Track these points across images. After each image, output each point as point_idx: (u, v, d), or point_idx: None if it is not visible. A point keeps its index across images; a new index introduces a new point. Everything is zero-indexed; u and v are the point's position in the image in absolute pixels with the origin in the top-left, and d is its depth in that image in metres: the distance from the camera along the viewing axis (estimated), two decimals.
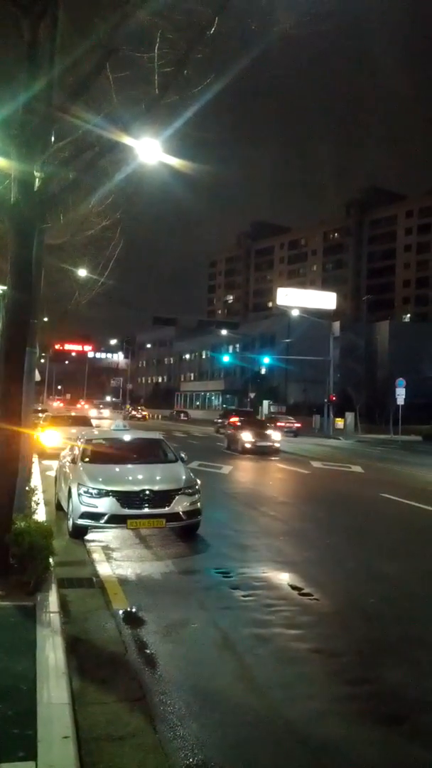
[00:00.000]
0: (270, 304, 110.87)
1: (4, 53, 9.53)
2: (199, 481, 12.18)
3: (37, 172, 8.38)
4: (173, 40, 9.07)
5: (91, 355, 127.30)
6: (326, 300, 69.66)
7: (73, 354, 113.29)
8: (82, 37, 9.67)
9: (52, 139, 9.31)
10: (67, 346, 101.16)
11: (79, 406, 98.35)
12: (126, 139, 9.22)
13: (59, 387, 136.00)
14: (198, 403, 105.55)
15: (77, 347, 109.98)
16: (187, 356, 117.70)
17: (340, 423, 58.50)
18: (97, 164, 9.28)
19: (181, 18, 9.24)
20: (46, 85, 8.83)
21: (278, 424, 50.70)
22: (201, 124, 10.60)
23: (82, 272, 21.68)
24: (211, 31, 8.90)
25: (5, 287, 9.62)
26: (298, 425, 54.93)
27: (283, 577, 9.70)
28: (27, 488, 9.62)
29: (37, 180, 8.34)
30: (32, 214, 8.10)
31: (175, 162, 11.52)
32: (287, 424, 53.48)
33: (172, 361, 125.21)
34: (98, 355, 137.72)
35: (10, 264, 8.11)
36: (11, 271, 8.07)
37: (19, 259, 8.07)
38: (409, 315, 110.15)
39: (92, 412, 74.68)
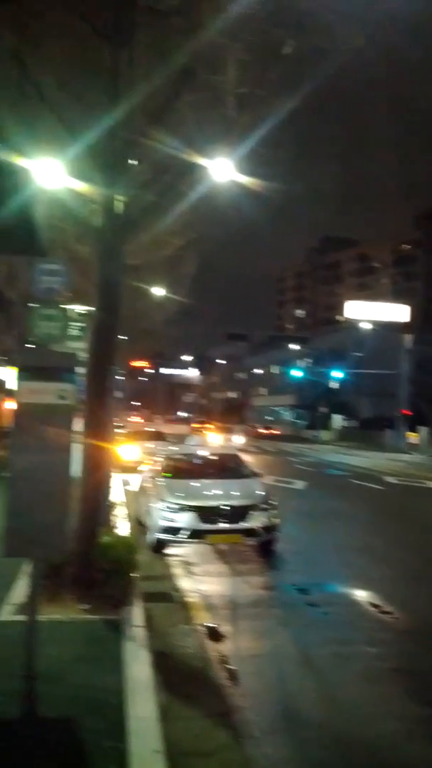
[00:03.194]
0: (339, 318, 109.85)
1: (86, 82, 9.88)
2: (275, 497, 12.19)
3: (120, 196, 8.63)
4: (247, 61, 9.23)
5: (164, 371, 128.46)
6: (398, 312, 68.66)
7: (148, 370, 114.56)
8: (159, 63, 9.94)
9: (133, 162, 9.57)
10: (142, 363, 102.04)
11: (132, 420, 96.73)
12: (201, 160, 9.41)
13: (135, 403, 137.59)
14: (270, 418, 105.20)
15: (152, 363, 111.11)
16: (258, 371, 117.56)
17: (413, 438, 57.32)
18: (176, 186, 9.49)
19: (255, 39, 9.39)
20: (126, 111, 9.08)
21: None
22: (271, 142, 10.71)
23: (158, 291, 22.10)
24: (285, 52, 9.03)
25: (89, 308, 9.90)
26: (278, 432, 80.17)
27: (361, 595, 9.60)
28: (109, 502, 9.83)
29: (119, 204, 8.59)
30: (116, 237, 8.35)
31: (246, 180, 11.67)
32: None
33: (243, 377, 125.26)
34: (171, 371, 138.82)
35: (97, 286, 8.37)
36: (98, 293, 8.33)
37: (106, 282, 8.33)
38: None
39: (214, 439, 49.45)
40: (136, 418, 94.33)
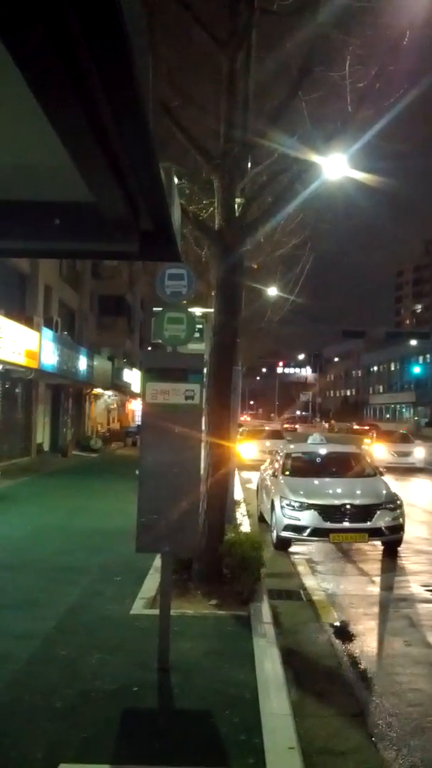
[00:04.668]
0: None
1: (202, 86, 10.06)
2: (400, 496, 11.98)
3: (238, 198, 8.73)
4: (364, 55, 9.10)
5: (280, 370, 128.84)
6: None
7: (264, 370, 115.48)
8: (275, 63, 9.97)
9: (249, 165, 9.65)
10: (259, 362, 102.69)
11: (242, 419, 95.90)
12: (317, 158, 9.36)
13: (252, 402, 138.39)
14: (388, 415, 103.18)
15: (268, 363, 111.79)
16: (376, 368, 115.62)
17: None
18: (293, 186, 9.48)
19: (372, 33, 9.25)
20: (243, 113, 9.18)
21: None
22: (389, 135, 10.52)
23: (273, 291, 22.18)
24: (404, 42, 8.84)
25: (205, 309, 10.05)
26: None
27: None
28: (233, 500, 9.97)
29: (237, 206, 8.70)
30: (235, 239, 8.46)
31: (362, 176, 11.53)
32: None
33: (359, 374, 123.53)
34: (287, 370, 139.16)
35: (216, 288, 8.51)
36: (218, 296, 8.47)
37: (225, 284, 8.45)
38: None
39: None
40: (244, 417, 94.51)
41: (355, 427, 76.96)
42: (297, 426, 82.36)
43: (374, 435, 33.14)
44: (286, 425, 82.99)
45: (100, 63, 2.09)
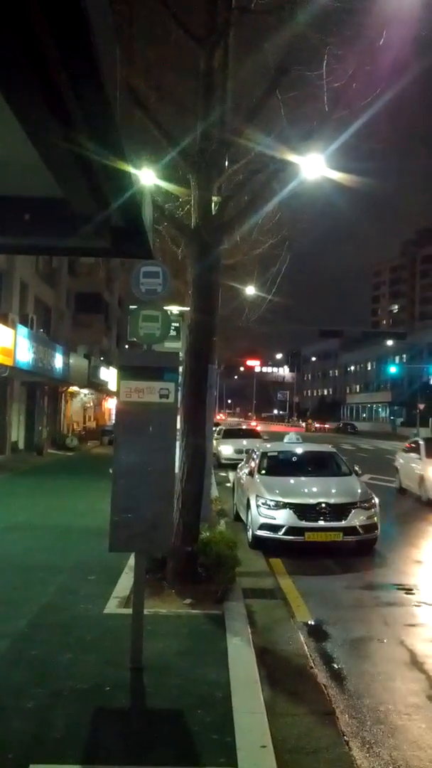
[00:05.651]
0: None
1: (180, 84, 10.03)
2: (375, 496, 12.04)
3: (214, 196, 8.72)
4: (341, 55, 9.12)
5: (257, 369, 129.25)
6: None
7: (242, 369, 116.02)
8: (253, 62, 9.97)
9: (227, 163, 9.64)
10: (236, 362, 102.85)
11: (218, 418, 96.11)
12: (294, 158, 9.38)
13: (229, 401, 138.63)
14: (364, 415, 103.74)
15: (245, 362, 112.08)
16: (352, 368, 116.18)
17: None
18: (270, 185, 9.49)
19: (349, 33, 9.28)
20: (220, 111, 9.17)
21: None
22: (366, 135, 10.56)
23: (251, 290, 22.22)
24: (380, 43, 8.88)
25: (182, 308, 10.02)
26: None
27: None
28: (209, 498, 9.95)
29: (214, 204, 8.68)
30: (211, 238, 8.44)
31: (339, 176, 11.58)
32: None
33: (337, 374, 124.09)
34: (265, 369, 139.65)
35: (192, 287, 8.49)
36: (194, 294, 8.45)
37: (201, 282, 8.43)
38: None
39: None
40: (220, 416, 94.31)
41: (317, 425, 76.94)
42: (258, 426, 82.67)
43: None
44: (251, 424, 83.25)
45: (66, 58, 2.07)
